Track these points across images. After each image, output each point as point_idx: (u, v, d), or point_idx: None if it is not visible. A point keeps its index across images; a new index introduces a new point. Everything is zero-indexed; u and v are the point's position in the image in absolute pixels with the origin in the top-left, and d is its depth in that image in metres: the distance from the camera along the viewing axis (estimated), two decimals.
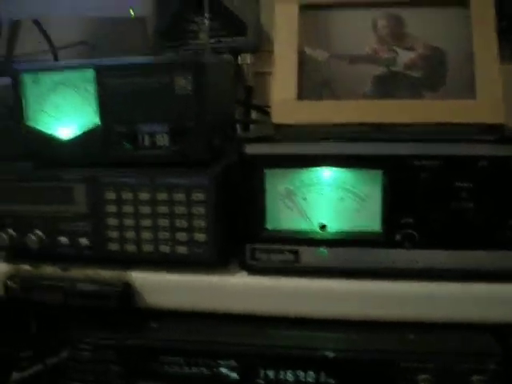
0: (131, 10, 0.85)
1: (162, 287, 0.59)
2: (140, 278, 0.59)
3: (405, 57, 0.60)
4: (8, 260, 0.64)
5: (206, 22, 0.82)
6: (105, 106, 0.57)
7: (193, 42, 0.91)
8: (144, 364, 0.59)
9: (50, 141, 0.60)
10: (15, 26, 0.90)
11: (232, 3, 0.89)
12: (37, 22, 0.89)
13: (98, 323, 0.61)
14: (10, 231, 0.62)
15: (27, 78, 0.59)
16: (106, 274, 0.60)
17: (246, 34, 0.89)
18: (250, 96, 0.89)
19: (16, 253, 0.63)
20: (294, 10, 0.61)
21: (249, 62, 0.90)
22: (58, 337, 0.75)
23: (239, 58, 0.90)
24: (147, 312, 0.60)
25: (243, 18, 0.89)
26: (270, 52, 0.88)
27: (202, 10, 0.88)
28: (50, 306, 0.62)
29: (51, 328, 0.82)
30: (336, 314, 0.57)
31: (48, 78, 0.59)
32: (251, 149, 0.55)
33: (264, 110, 0.84)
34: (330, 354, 0.55)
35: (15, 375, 0.80)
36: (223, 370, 0.57)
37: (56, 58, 0.91)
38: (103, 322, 0.61)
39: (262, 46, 0.92)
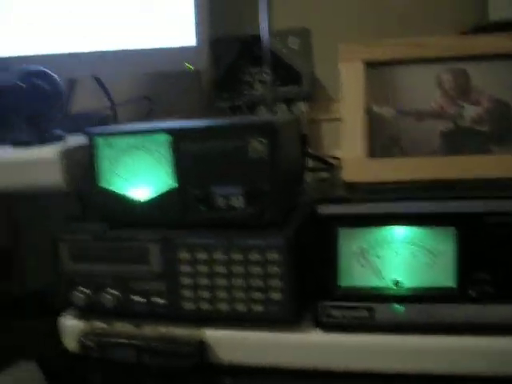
0: (188, 65, 0.87)
1: (236, 344, 0.60)
2: (214, 336, 0.61)
3: (471, 111, 0.61)
4: (83, 318, 0.66)
5: (267, 75, 0.84)
6: (179, 168, 0.59)
7: (248, 93, 0.94)
8: None
9: (123, 202, 0.62)
10: (73, 84, 0.94)
11: (286, 55, 0.91)
12: (97, 79, 0.92)
13: (171, 379, 0.63)
14: (85, 290, 0.64)
15: (101, 141, 0.62)
16: (179, 331, 0.61)
17: (300, 84, 0.92)
18: (305, 144, 0.90)
19: (91, 310, 0.65)
20: (359, 67, 0.63)
21: (303, 110, 0.92)
22: None
23: (293, 106, 0.92)
24: (221, 368, 0.61)
25: (298, 69, 0.91)
26: (323, 100, 0.91)
27: (257, 61, 0.91)
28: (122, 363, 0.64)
29: None
30: (412, 369, 0.57)
31: (121, 141, 0.61)
32: (324, 209, 0.57)
33: (322, 160, 0.86)
34: None
35: None
36: None
37: (115, 114, 0.94)
38: (177, 377, 0.62)
39: (315, 95, 0.94)
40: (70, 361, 0.68)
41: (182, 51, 0.89)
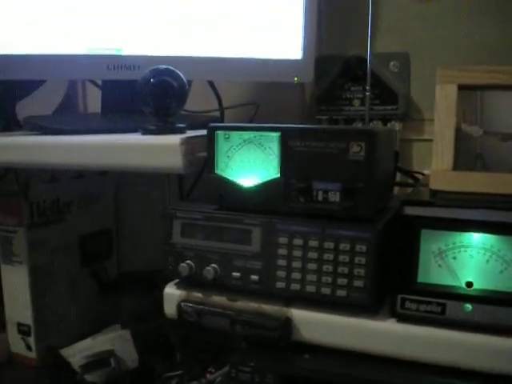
0: (295, 78, 0.99)
1: (318, 324, 0.69)
2: (299, 314, 0.70)
3: None
4: (183, 287, 0.77)
5: (368, 93, 0.95)
6: (285, 163, 0.70)
7: (346, 108, 1.04)
8: None
9: (233, 188, 0.73)
10: (190, 85, 1.07)
11: (386, 76, 1.01)
12: (211, 83, 1.05)
13: (257, 351, 0.73)
14: (190, 262, 0.75)
15: (220, 135, 0.73)
16: (269, 307, 0.72)
17: (397, 104, 1.01)
18: (396, 160, 1.00)
19: (191, 281, 0.77)
20: (453, 90, 0.72)
21: (397, 128, 1.02)
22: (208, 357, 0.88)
23: (388, 124, 1.02)
24: (302, 345, 0.71)
25: (395, 89, 1.01)
26: (416, 120, 1.00)
27: (357, 80, 1.02)
28: (215, 331, 0.74)
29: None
30: (475, 365, 0.64)
31: (238, 136, 0.72)
32: (410, 210, 0.66)
33: (410, 175, 0.95)
34: None
35: None
36: None
37: (222, 116, 1.06)
38: (261, 349, 0.73)
39: (410, 115, 1.03)
40: None
41: (290, 64, 1.01)
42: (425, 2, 1.04)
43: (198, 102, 1.13)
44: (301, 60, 1.03)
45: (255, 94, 1.16)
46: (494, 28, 0.99)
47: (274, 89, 1.12)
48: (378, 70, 1.02)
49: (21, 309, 1.09)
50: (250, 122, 1.05)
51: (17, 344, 1.11)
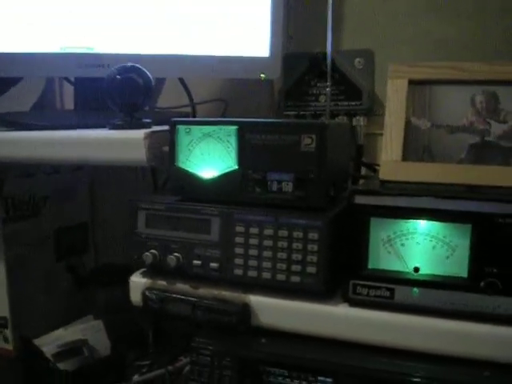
0: (262, 74, 1.03)
1: (274, 309, 0.73)
2: (256, 300, 0.74)
3: (498, 129, 0.72)
4: (148, 275, 0.81)
5: (328, 88, 0.98)
6: (242, 155, 0.73)
7: (313, 104, 1.08)
8: (253, 373, 0.73)
9: (194, 180, 0.76)
10: (162, 82, 1.11)
11: (351, 72, 1.05)
12: (181, 80, 1.09)
13: (217, 335, 0.76)
14: (154, 251, 0.78)
15: (181, 129, 0.77)
16: (228, 294, 0.75)
17: (361, 99, 1.05)
18: (360, 154, 1.04)
19: (155, 270, 0.80)
20: (404, 84, 0.76)
21: (362, 123, 1.06)
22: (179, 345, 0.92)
23: (353, 119, 1.05)
24: (259, 329, 0.75)
25: (359, 86, 1.05)
26: (381, 116, 1.04)
27: (323, 77, 1.05)
28: (178, 317, 0.78)
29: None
30: (421, 347, 0.67)
31: (198, 130, 0.76)
32: (360, 199, 0.69)
33: (373, 168, 0.99)
34: (415, 380, 0.66)
35: (136, 378, 0.96)
36: None
37: (194, 112, 1.10)
38: (221, 334, 0.76)
39: (374, 111, 1.07)
40: None
41: (257, 61, 1.05)
42: (388, 1, 1.07)
43: (171, 99, 1.17)
44: (268, 57, 1.06)
45: (226, 90, 1.20)
46: (451, 25, 1.03)
47: (244, 85, 1.16)
48: (343, 66, 1.05)
49: None
50: (221, 117, 1.08)
51: None
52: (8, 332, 1.12)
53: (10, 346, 1.12)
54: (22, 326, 1.12)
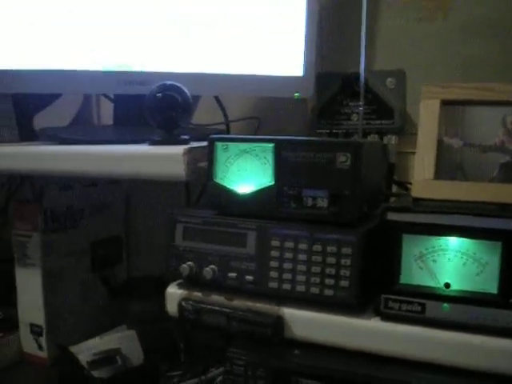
0: (296, 93, 1.06)
1: (307, 322, 0.75)
2: (290, 313, 0.76)
3: None
4: (184, 287, 0.84)
5: (361, 108, 1.01)
6: (278, 171, 0.76)
7: (345, 123, 1.11)
8: (286, 383, 0.75)
9: (231, 195, 0.80)
10: (197, 100, 1.15)
11: (383, 92, 1.08)
12: (216, 98, 1.13)
13: (250, 346, 0.79)
14: (190, 263, 0.82)
15: (219, 145, 0.80)
16: (262, 306, 0.78)
17: (392, 118, 1.08)
18: (392, 172, 1.06)
19: (192, 282, 0.83)
20: (437, 104, 0.78)
21: (393, 142, 1.08)
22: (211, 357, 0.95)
23: (385, 138, 1.08)
24: (292, 341, 0.77)
25: (391, 105, 1.08)
26: (412, 134, 1.06)
27: (355, 96, 1.08)
28: (213, 328, 0.81)
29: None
30: (452, 361, 0.69)
31: (235, 147, 0.79)
32: (392, 216, 0.72)
33: (404, 186, 1.01)
34: None
35: None
36: None
37: (228, 129, 1.14)
38: (255, 345, 0.79)
39: (405, 129, 1.09)
40: None
41: (291, 80, 1.08)
42: (420, 23, 1.10)
43: (206, 116, 1.20)
44: (302, 76, 1.10)
45: (260, 108, 1.23)
46: (482, 46, 1.05)
47: (277, 103, 1.19)
48: (376, 86, 1.08)
49: (34, 310, 1.16)
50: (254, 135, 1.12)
51: (29, 344, 1.18)
52: (43, 340, 1.16)
53: (44, 354, 1.16)
54: (57, 335, 1.16)
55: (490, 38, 1.06)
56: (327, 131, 1.13)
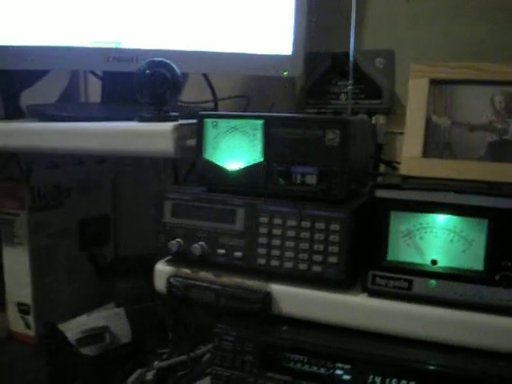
0: (285, 72, 1.06)
1: (295, 299, 0.76)
2: (278, 289, 0.77)
3: None
4: (173, 263, 0.84)
5: (350, 86, 1.02)
6: (268, 148, 0.77)
7: (333, 102, 1.11)
8: (273, 358, 0.76)
9: (220, 171, 0.80)
10: (185, 78, 1.14)
11: (372, 72, 1.08)
12: (205, 75, 1.13)
13: (239, 322, 0.80)
14: (179, 240, 0.82)
15: (208, 122, 0.80)
16: (251, 283, 0.78)
17: (381, 98, 1.08)
18: (380, 152, 1.07)
19: (180, 258, 0.83)
20: (425, 83, 0.79)
21: (381, 122, 1.09)
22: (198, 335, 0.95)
23: (373, 118, 1.09)
24: (280, 317, 0.78)
25: (380, 85, 1.08)
26: (401, 115, 1.07)
27: (345, 75, 1.09)
28: (201, 304, 0.81)
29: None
30: (437, 337, 0.70)
31: (225, 123, 0.79)
32: (381, 193, 0.72)
33: (392, 165, 1.02)
34: (430, 368, 0.69)
35: (156, 364, 1.00)
36: (338, 372, 0.73)
37: (216, 107, 1.14)
38: (243, 321, 0.79)
39: (394, 109, 1.10)
40: None
41: (280, 59, 1.08)
42: (410, 3, 1.10)
43: (194, 94, 1.20)
44: (291, 55, 1.09)
45: (248, 86, 1.23)
46: (471, 26, 1.06)
47: (265, 82, 1.19)
48: (364, 65, 1.09)
49: (21, 289, 1.16)
50: None
51: (17, 322, 1.19)
52: (30, 318, 1.16)
53: (31, 332, 1.17)
54: (44, 313, 1.17)
55: (478, 19, 1.06)
56: (316, 110, 1.13)
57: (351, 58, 1.04)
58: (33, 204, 1.14)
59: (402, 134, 1.09)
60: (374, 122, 1.09)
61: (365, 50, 1.11)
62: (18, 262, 1.15)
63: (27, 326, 1.17)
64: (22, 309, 1.17)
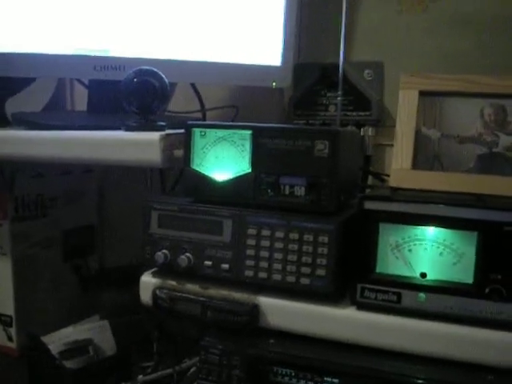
0: (273, 83, 1.06)
1: (283, 311, 0.75)
2: (266, 301, 0.76)
3: (505, 141, 0.76)
4: (159, 275, 0.83)
5: (339, 98, 1.02)
6: (256, 159, 0.76)
7: (322, 114, 1.11)
8: (261, 372, 0.75)
9: (207, 182, 0.79)
10: (173, 87, 1.14)
11: (360, 83, 1.08)
12: (193, 85, 1.12)
13: (225, 335, 0.79)
14: (166, 251, 0.81)
15: (196, 132, 0.80)
16: (238, 295, 0.78)
17: (370, 110, 1.08)
18: (368, 164, 1.07)
19: (166, 270, 0.82)
20: (415, 95, 0.79)
21: (370, 134, 1.09)
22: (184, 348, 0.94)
23: (362, 130, 1.09)
24: (268, 330, 0.77)
25: (369, 97, 1.08)
26: (389, 127, 1.07)
27: (333, 87, 1.09)
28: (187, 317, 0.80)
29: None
30: (426, 351, 0.70)
31: (213, 133, 0.79)
32: (370, 205, 0.72)
33: (380, 177, 1.02)
34: (419, 382, 0.69)
35: (141, 378, 0.99)
36: None
37: (204, 117, 1.13)
38: (230, 334, 0.78)
39: (382, 122, 1.10)
40: None
41: (269, 69, 1.08)
42: (401, 15, 1.11)
43: (181, 103, 1.20)
44: (280, 66, 1.10)
45: (237, 97, 1.23)
46: (461, 39, 1.06)
47: (254, 93, 1.19)
48: (353, 77, 1.09)
49: (3, 300, 1.14)
50: None
51: None
52: (12, 330, 1.14)
53: (13, 345, 1.15)
54: (27, 325, 1.15)
55: (468, 32, 1.07)
56: (304, 122, 1.13)
57: (341, 70, 1.04)
58: (16, 214, 1.12)
59: (390, 146, 1.09)
60: (362, 133, 1.08)
61: (354, 62, 1.12)
62: (1, 272, 1.13)
63: (9, 338, 1.15)
64: (4, 320, 1.15)
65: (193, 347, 0.98)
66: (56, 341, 1.00)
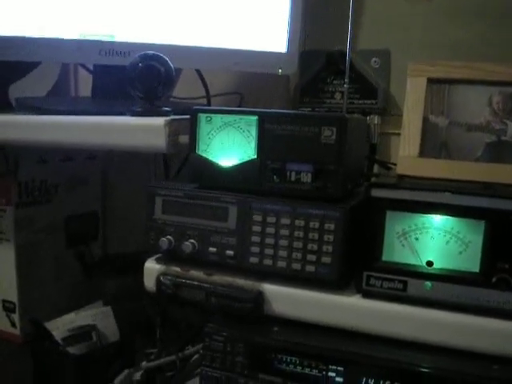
0: (279, 69, 1.05)
1: (288, 299, 0.75)
2: (270, 288, 0.76)
3: None
4: (163, 261, 0.83)
5: (346, 85, 1.01)
6: (262, 145, 0.76)
7: (328, 101, 1.11)
8: (265, 359, 0.75)
9: (213, 168, 0.79)
10: (178, 73, 1.13)
11: (367, 71, 1.08)
12: (198, 71, 1.11)
13: (229, 322, 0.78)
14: (170, 237, 0.81)
15: (202, 117, 0.79)
16: (243, 282, 0.77)
17: (376, 98, 1.08)
18: (374, 152, 1.06)
19: (170, 256, 0.82)
20: (423, 82, 0.78)
21: (376, 122, 1.08)
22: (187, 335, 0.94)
23: (368, 118, 1.08)
24: (272, 317, 0.77)
25: (375, 85, 1.08)
26: (395, 115, 1.07)
27: (339, 74, 1.08)
28: (191, 303, 0.80)
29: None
30: (432, 339, 0.69)
31: (219, 119, 0.78)
32: (377, 192, 0.71)
33: (386, 166, 1.01)
34: (424, 370, 0.69)
35: (144, 364, 0.98)
36: (331, 374, 0.72)
37: (209, 104, 1.13)
38: (234, 321, 0.78)
39: (388, 110, 1.09)
40: None
41: (275, 56, 1.07)
42: (409, 3, 1.10)
43: (187, 89, 1.19)
44: (286, 53, 1.09)
45: (242, 83, 1.22)
46: (469, 28, 1.05)
47: (260, 80, 1.18)
48: (360, 65, 1.08)
49: (6, 286, 1.14)
50: None
51: (1, 321, 1.16)
52: (16, 317, 1.14)
53: (17, 331, 1.15)
54: (30, 311, 1.15)
55: (474, 21, 1.06)
56: (309, 109, 1.12)
57: (348, 57, 1.02)
58: (19, 200, 1.12)
59: (396, 134, 1.09)
60: (368, 122, 1.08)
61: (360, 50, 1.11)
62: (4, 258, 1.13)
63: (12, 324, 1.15)
64: (8, 306, 1.15)
65: (197, 333, 0.98)
66: (59, 327, 0.99)
